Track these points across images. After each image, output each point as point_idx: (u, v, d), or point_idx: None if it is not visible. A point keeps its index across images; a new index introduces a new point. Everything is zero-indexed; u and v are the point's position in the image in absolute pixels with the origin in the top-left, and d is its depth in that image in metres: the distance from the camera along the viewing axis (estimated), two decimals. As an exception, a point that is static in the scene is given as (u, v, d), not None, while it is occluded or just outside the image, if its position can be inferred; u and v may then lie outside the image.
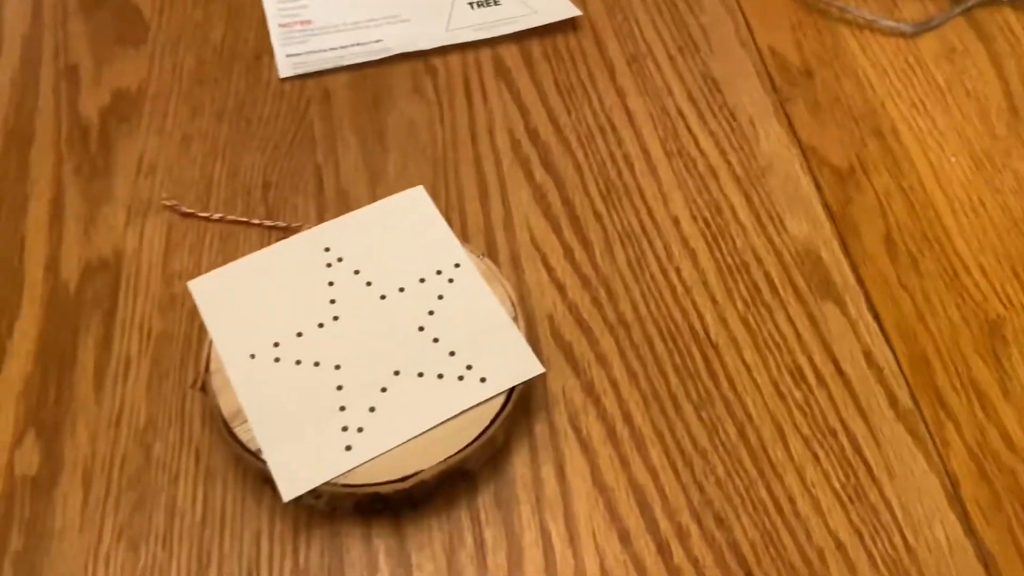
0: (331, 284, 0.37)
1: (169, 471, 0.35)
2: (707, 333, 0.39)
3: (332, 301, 0.37)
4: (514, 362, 0.35)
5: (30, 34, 0.50)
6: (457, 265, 0.38)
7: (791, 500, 0.34)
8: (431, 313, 0.36)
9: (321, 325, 0.36)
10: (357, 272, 0.38)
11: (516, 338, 0.36)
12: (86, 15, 0.51)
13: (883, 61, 0.49)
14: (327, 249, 0.38)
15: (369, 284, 0.37)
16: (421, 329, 0.36)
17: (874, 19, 0.51)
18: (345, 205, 0.43)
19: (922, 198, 0.44)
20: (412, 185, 0.43)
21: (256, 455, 0.33)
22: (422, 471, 0.32)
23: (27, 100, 0.47)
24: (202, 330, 0.38)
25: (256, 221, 0.42)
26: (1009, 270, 0.41)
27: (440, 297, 0.37)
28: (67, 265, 0.40)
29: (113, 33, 0.50)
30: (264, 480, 0.34)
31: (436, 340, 0.36)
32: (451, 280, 0.37)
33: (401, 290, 0.37)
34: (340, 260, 0.38)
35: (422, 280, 0.37)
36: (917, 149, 0.46)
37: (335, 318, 0.36)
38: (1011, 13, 0.51)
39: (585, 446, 0.36)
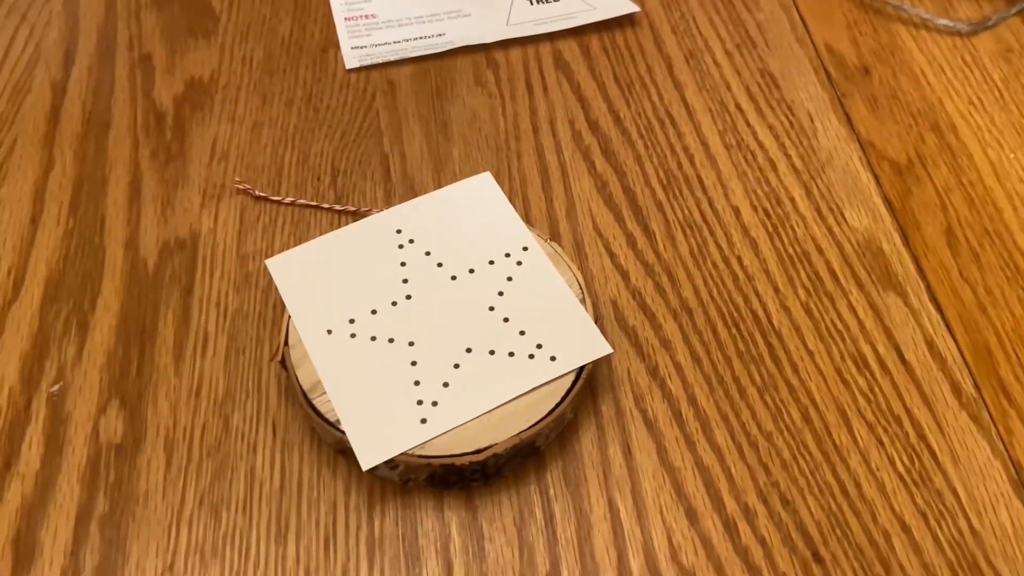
0: (403, 264, 0.38)
1: (248, 441, 0.36)
2: (770, 320, 0.39)
3: (404, 281, 0.38)
4: (583, 342, 0.36)
5: (105, 25, 0.51)
6: (525, 248, 0.39)
7: (856, 483, 0.35)
8: (501, 294, 0.37)
9: (394, 303, 0.37)
10: (428, 253, 0.39)
11: (584, 319, 0.36)
12: (158, 7, 0.52)
13: (939, 59, 0.50)
14: (399, 231, 0.39)
15: (440, 265, 0.38)
16: (491, 309, 0.37)
17: (929, 18, 0.51)
18: (412, 192, 0.44)
19: (982, 193, 0.44)
20: (476, 173, 0.45)
21: (335, 425, 0.34)
22: (496, 444, 0.33)
23: (104, 87, 0.48)
24: (276, 307, 0.39)
25: (326, 205, 0.43)
26: (1071, 264, 0.41)
27: (509, 279, 0.38)
28: (145, 244, 0.42)
29: (184, 25, 0.51)
30: (340, 451, 0.35)
31: (506, 320, 0.36)
32: (519, 263, 0.38)
33: (471, 271, 0.38)
34: (411, 242, 0.39)
35: (491, 262, 0.38)
36: (976, 145, 0.46)
37: (408, 297, 0.37)
38: (1067, 14, 0.52)
39: (651, 427, 0.36)
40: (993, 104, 0.48)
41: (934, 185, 0.44)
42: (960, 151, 0.46)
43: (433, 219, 0.40)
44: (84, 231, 0.42)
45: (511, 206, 0.40)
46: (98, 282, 0.40)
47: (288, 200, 0.43)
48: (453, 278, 0.38)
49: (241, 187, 0.44)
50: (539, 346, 0.36)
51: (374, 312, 0.37)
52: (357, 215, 0.43)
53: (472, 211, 0.40)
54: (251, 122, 0.47)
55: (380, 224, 0.40)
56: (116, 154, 0.45)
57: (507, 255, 0.39)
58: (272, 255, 0.40)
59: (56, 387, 0.37)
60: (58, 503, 0.34)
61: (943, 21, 0.51)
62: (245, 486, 0.35)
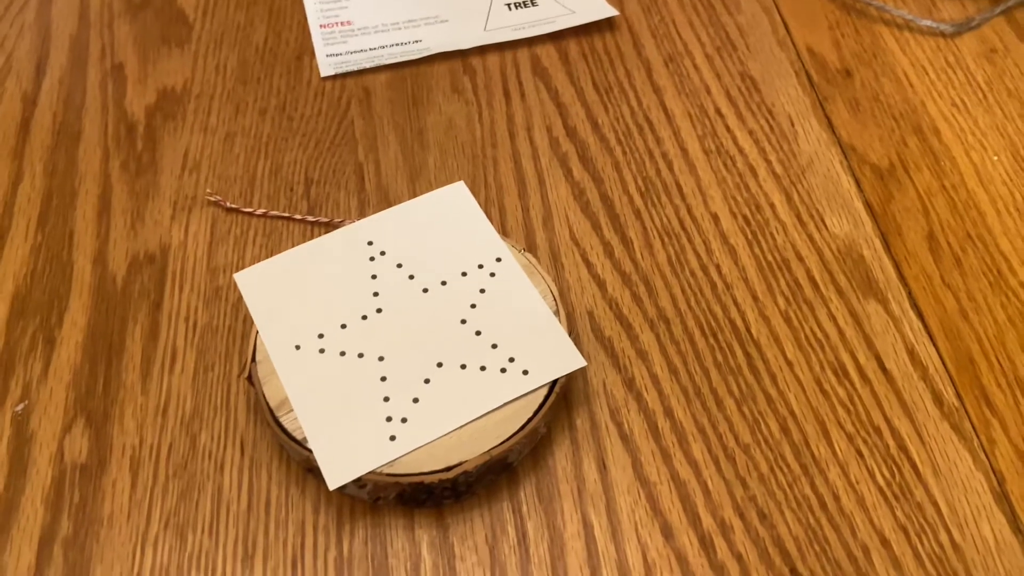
0: (374, 277, 0.38)
1: (215, 460, 0.35)
2: (748, 329, 0.39)
3: (375, 294, 0.37)
4: (556, 355, 0.35)
5: (77, 34, 0.51)
6: (499, 259, 0.38)
7: (835, 497, 0.34)
8: (473, 306, 0.37)
9: (364, 317, 0.36)
10: (400, 266, 0.38)
11: (558, 332, 0.36)
12: (132, 16, 0.52)
13: (923, 61, 0.49)
14: (370, 243, 0.39)
15: (412, 277, 0.38)
16: (463, 322, 0.36)
17: (913, 19, 0.51)
18: (386, 201, 0.43)
19: (965, 197, 0.43)
20: (452, 182, 0.44)
21: (302, 444, 0.33)
22: (466, 461, 0.32)
23: (75, 98, 0.48)
24: (246, 322, 0.39)
25: (299, 216, 0.42)
26: (1055, 269, 0.40)
27: (482, 291, 0.37)
28: (114, 258, 0.41)
29: (158, 34, 0.51)
30: (308, 469, 0.34)
31: (478, 333, 0.36)
32: (492, 274, 0.38)
33: (443, 283, 0.37)
34: (383, 254, 0.38)
35: (464, 274, 0.38)
36: (959, 148, 0.45)
37: (378, 310, 0.37)
38: (1053, 13, 0.51)
39: (627, 440, 0.36)
40: (977, 106, 0.47)
41: (916, 189, 0.44)
42: (943, 154, 0.45)
43: (405, 230, 0.39)
44: (52, 245, 0.42)
45: (484, 216, 0.40)
46: (66, 298, 0.40)
47: (260, 212, 0.43)
48: (425, 291, 0.37)
49: (212, 199, 0.43)
50: (511, 359, 0.35)
51: (344, 326, 0.36)
52: (331, 226, 0.42)
53: (445, 222, 0.40)
54: (224, 132, 0.46)
55: (351, 236, 0.39)
56: (86, 166, 0.45)
57: (480, 266, 0.38)
58: (243, 268, 0.39)
59: (21, 406, 0.36)
60: (21, 525, 0.33)
61: (926, 22, 0.50)
62: (212, 506, 0.34)
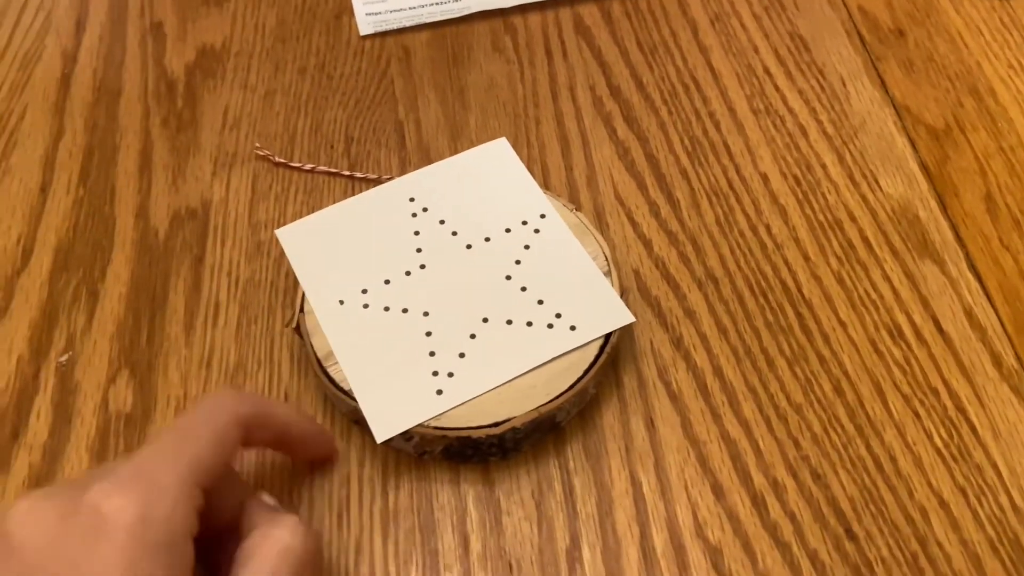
0: (417, 233, 0.37)
1: (259, 412, 0.35)
2: (799, 290, 0.38)
3: (418, 250, 0.37)
4: (604, 311, 0.34)
5: (116, -7, 0.50)
6: (543, 216, 0.37)
7: (892, 458, 0.33)
8: (518, 263, 0.36)
9: (408, 273, 0.36)
10: (442, 222, 0.37)
11: (605, 287, 0.35)
12: (170, -25, 0.51)
13: (977, 21, 0.48)
14: (412, 199, 0.38)
15: (455, 234, 0.37)
16: (508, 278, 0.36)
17: (968, -22, 0.49)
18: (427, 159, 0.43)
19: (1023, 158, 0.42)
20: (493, 140, 0.43)
21: (349, 395, 0.33)
22: (514, 418, 0.32)
23: (115, 55, 0.47)
24: (288, 277, 0.38)
25: (346, 172, 0.42)
26: (1119, 232, 0.39)
27: (526, 247, 0.36)
28: (156, 213, 0.41)
29: (196, -8, 0.50)
30: (354, 422, 0.34)
31: (524, 289, 0.35)
32: (537, 230, 0.37)
33: (487, 240, 0.37)
34: (425, 210, 0.38)
35: (508, 230, 0.37)
36: (1016, 109, 0.44)
37: (422, 266, 0.36)
38: (1114, -27, 0.49)
39: (675, 399, 0.35)
40: (1035, 66, 0.45)
41: (973, 150, 0.42)
42: (1000, 116, 0.44)
43: (447, 186, 0.39)
44: (94, 200, 0.41)
45: (528, 172, 0.39)
46: (108, 251, 0.40)
47: (308, 167, 0.42)
48: (468, 247, 0.37)
49: (261, 153, 0.43)
50: (558, 315, 0.34)
51: (387, 282, 0.36)
52: (376, 182, 0.41)
53: (488, 178, 0.39)
54: (263, 90, 0.46)
55: (393, 192, 0.39)
56: (127, 122, 0.44)
57: (524, 223, 0.37)
58: (284, 224, 0.39)
59: (65, 357, 0.36)
60: (66, 474, 0.33)
61: (982, -19, 0.49)
62: (256, 459, 0.34)
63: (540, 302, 0.35)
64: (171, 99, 0.45)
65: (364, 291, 0.35)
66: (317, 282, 0.36)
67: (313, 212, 0.39)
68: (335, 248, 0.37)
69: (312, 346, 0.34)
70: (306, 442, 0.32)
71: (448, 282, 0.36)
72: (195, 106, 0.45)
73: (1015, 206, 0.40)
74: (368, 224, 0.37)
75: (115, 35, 0.48)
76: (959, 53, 0.46)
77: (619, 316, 0.34)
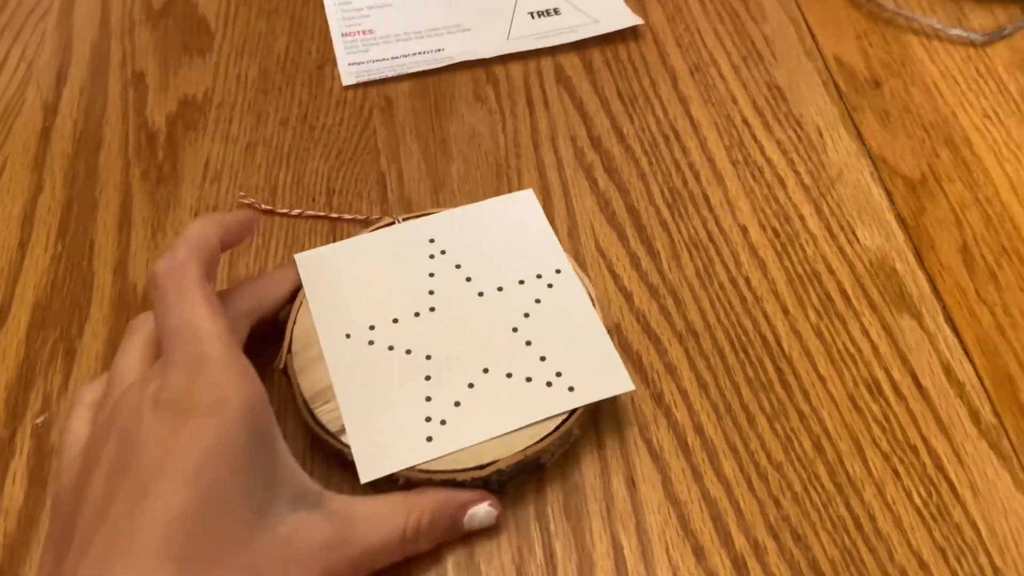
0: (431, 275, 0.37)
1: (237, 475, 0.34)
2: (779, 344, 0.38)
3: (431, 292, 0.36)
4: (605, 375, 0.34)
5: (99, 43, 0.51)
6: (558, 271, 0.37)
7: (871, 517, 0.33)
8: (527, 316, 0.36)
9: (417, 314, 0.36)
10: (458, 266, 0.37)
11: (610, 351, 0.35)
12: (153, 24, 0.51)
13: (952, 71, 0.48)
14: (431, 240, 0.38)
15: (469, 280, 0.37)
16: (515, 330, 0.35)
17: (942, 28, 0.50)
18: (409, 211, 0.43)
19: (999, 209, 0.42)
20: (475, 192, 0.43)
21: (335, 437, 0.33)
22: (499, 460, 0.32)
23: (96, 106, 0.47)
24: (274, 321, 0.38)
25: (334, 215, 0.42)
26: (1093, 284, 0.39)
27: (537, 301, 0.36)
28: (135, 269, 0.41)
29: (179, 42, 0.50)
30: (341, 463, 0.34)
31: (529, 343, 0.35)
32: (550, 285, 0.37)
33: (499, 289, 0.37)
34: (443, 253, 0.38)
35: (521, 282, 0.37)
36: (992, 159, 0.44)
37: (432, 309, 0.36)
38: (1085, 22, 0.50)
39: (656, 457, 0.35)
40: (1010, 116, 0.46)
41: (949, 201, 0.43)
42: (975, 166, 0.44)
43: (468, 232, 0.39)
44: (73, 255, 0.41)
45: (549, 226, 0.39)
46: (86, 308, 0.39)
47: (296, 212, 0.42)
48: (480, 294, 0.37)
49: (245, 201, 0.43)
50: (558, 374, 0.34)
51: (395, 321, 0.36)
52: (367, 223, 0.41)
53: (509, 227, 0.39)
54: (245, 141, 0.46)
55: (413, 232, 0.39)
56: (107, 175, 0.44)
57: (538, 276, 0.37)
58: (265, 279, 0.39)
59: (41, 418, 0.36)
60: (42, 539, 0.33)
61: (956, 31, 0.50)
62: (234, 522, 0.33)
63: (543, 358, 0.35)
64: (152, 151, 0.45)
65: (372, 327, 0.35)
66: (327, 312, 0.36)
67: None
68: (349, 281, 0.37)
69: (300, 387, 0.34)
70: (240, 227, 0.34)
71: (455, 328, 0.35)
72: (176, 158, 0.45)
73: (991, 258, 0.41)
74: (384, 261, 0.37)
75: (96, 86, 0.48)
76: (935, 103, 0.47)
77: (620, 383, 0.34)
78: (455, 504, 0.32)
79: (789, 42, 0.50)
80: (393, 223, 0.39)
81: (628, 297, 0.40)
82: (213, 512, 0.26)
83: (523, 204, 0.40)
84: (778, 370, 0.37)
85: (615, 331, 0.38)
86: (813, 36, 0.50)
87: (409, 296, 0.36)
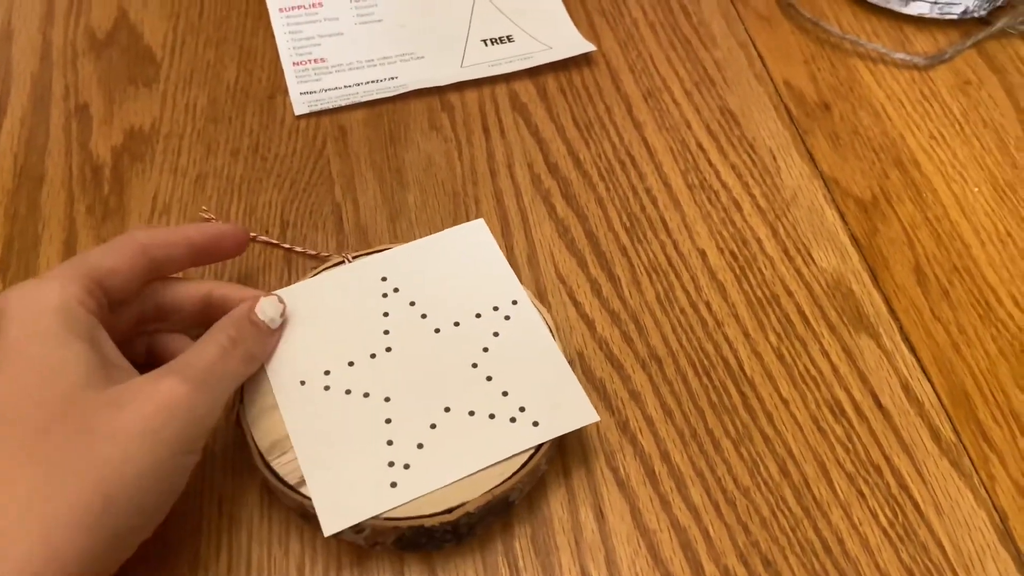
0: (386, 315, 0.36)
1: (190, 523, 0.33)
2: (741, 368, 0.38)
3: (386, 332, 0.36)
4: (569, 408, 0.34)
5: (39, 73, 0.49)
6: (515, 302, 0.37)
7: (839, 540, 0.33)
8: (486, 350, 0.35)
9: (373, 356, 0.35)
10: (412, 303, 0.37)
11: (572, 383, 0.34)
12: (96, 54, 0.50)
13: (899, 94, 0.50)
14: (384, 278, 0.37)
15: (424, 317, 0.36)
16: (475, 366, 0.35)
17: (886, 52, 0.51)
18: (365, 241, 0.42)
19: (948, 228, 0.43)
20: (433, 221, 0.43)
21: (295, 489, 0.31)
22: (467, 502, 0.31)
23: (37, 140, 0.46)
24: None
25: (287, 245, 0.41)
26: (1041, 299, 0.40)
27: (496, 334, 0.36)
28: (80, 307, 0.39)
29: (124, 72, 0.49)
30: (302, 516, 0.33)
31: (489, 379, 0.34)
32: (507, 317, 0.36)
33: (456, 324, 0.36)
34: (396, 290, 0.37)
35: (478, 315, 0.36)
36: (939, 179, 0.45)
37: (388, 349, 0.35)
38: (1022, 44, 0.52)
39: (623, 486, 0.34)
40: (955, 138, 0.47)
41: (900, 222, 0.43)
42: (924, 186, 0.45)
43: (421, 267, 0.38)
44: (13, 295, 0.39)
45: (503, 257, 0.39)
46: (28, 350, 0.38)
47: (251, 235, 0.41)
48: (436, 331, 0.36)
49: (205, 216, 0.41)
50: (522, 409, 0.34)
51: (351, 364, 0.35)
52: (315, 258, 0.41)
53: (462, 260, 0.38)
54: (195, 173, 0.45)
55: (364, 271, 0.38)
56: (50, 210, 0.43)
57: (495, 308, 0.37)
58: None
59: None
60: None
61: (900, 55, 0.51)
62: (188, 574, 0.32)
63: (505, 393, 0.34)
64: (97, 185, 0.44)
65: (327, 372, 0.34)
66: (279, 359, 0.34)
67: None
68: (300, 326, 0.36)
69: (254, 438, 0.32)
70: (216, 243, 0.35)
71: (413, 367, 0.35)
72: (122, 192, 0.44)
73: (943, 276, 0.41)
74: (336, 303, 0.36)
75: (38, 118, 0.47)
76: (883, 125, 0.48)
77: (585, 414, 0.34)
78: (246, 309, 0.34)
79: (740, 67, 0.51)
80: (343, 262, 0.38)
81: (590, 325, 0.39)
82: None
83: (475, 235, 0.40)
84: (741, 394, 0.37)
85: (578, 360, 0.38)
86: (763, 61, 0.51)
87: (364, 338, 0.35)
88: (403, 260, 0.38)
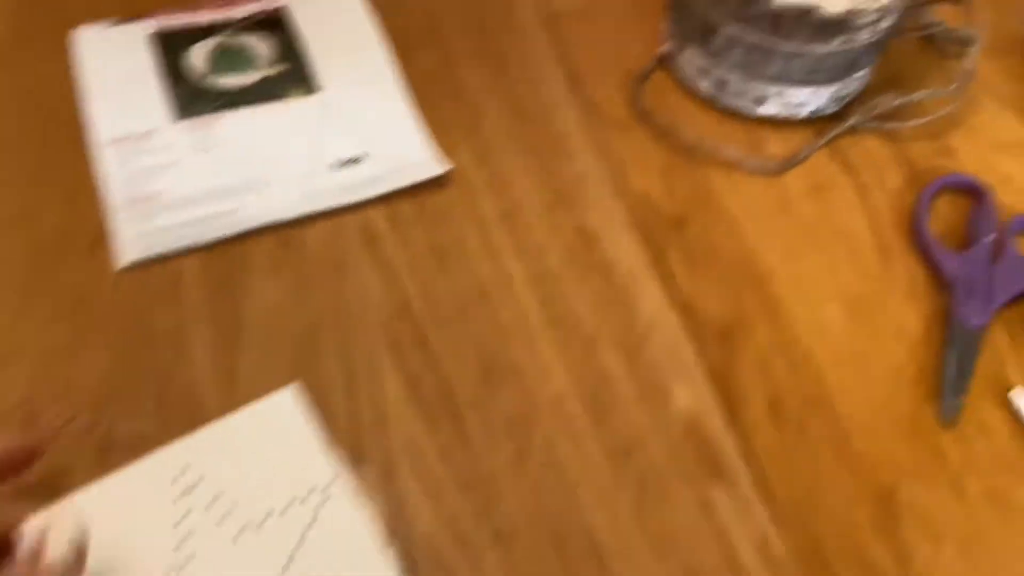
0: (186, 514, 0.33)
1: None
2: (599, 539, 0.36)
3: (186, 537, 0.33)
4: None
5: None
6: (330, 483, 0.34)
7: None
8: (300, 545, 0.33)
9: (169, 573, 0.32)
10: (215, 498, 0.34)
11: (387, 570, 0.32)
12: None
13: (752, 203, 0.49)
14: (181, 473, 0.34)
15: (228, 513, 0.33)
16: (290, 561, 0.32)
17: (739, 159, 0.51)
18: (199, 413, 0.39)
19: (802, 353, 0.43)
20: (272, 383, 0.40)
21: None
22: None
23: None
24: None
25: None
26: (895, 427, 0.40)
27: (311, 523, 0.33)
28: None
29: (-71, 223, 0.45)
30: None
31: None
32: (324, 501, 0.34)
33: (267, 515, 0.33)
34: (197, 484, 0.34)
35: (290, 503, 0.34)
36: (793, 298, 0.45)
37: (189, 557, 0.32)
38: (873, 139, 0.52)
39: None
40: (806, 248, 0.47)
41: (756, 349, 0.43)
42: (779, 306, 0.45)
43: (223, 454, 0.35)
44: None
45: (314, 431, 0.36)
46: None
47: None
48: (242, 529, 0.33)
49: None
50: None
51: None
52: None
53: (269, 440, 0.36)
54: None
55: (156, 467, 0.35)
56: None
57: (310, 492, 0.34)
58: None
59: None
60: None
61: (753, 162, 0.51)
62: None
63: None
64: None
65: None
66: None
67: (54, 503, 0.34)
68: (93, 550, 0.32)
69: None
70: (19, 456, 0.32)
71: None
72: (-79, 374, 0.39)
73: (797, 410, 0.41)
74: (127, 512, 0.33)
75: None
76: (738, 239, 0.47)
77: None
78: None
79: (597, 180, 0.50)
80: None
81: (438, 498, 0.37)
82: None
83: (283, 408, 0.37)
84: (602, 569, 0.36)
85: (424, 541, 0.36)
86: (620, 172, 0.50)
87: (159, 551, 0.32)
88: (201, 448, 0.35)
